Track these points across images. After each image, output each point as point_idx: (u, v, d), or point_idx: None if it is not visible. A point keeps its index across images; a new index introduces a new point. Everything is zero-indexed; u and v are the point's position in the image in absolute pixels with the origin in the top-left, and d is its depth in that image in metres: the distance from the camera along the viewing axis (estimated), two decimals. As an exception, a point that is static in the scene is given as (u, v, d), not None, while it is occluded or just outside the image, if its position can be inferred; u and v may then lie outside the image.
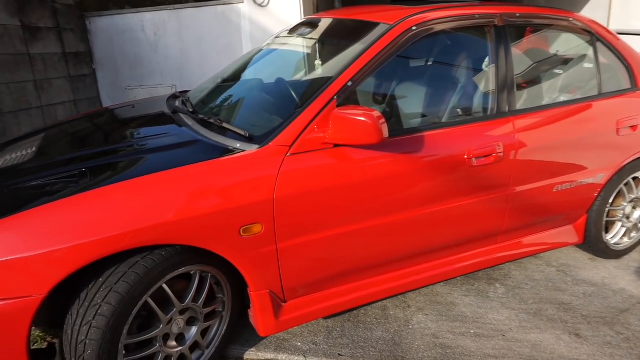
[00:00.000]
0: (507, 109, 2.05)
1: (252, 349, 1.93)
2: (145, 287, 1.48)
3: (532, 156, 2.08)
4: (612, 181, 2.40)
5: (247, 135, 1.71)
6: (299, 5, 4.17)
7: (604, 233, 2.53)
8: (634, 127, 2.33)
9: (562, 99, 2.35)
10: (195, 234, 1.50)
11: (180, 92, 2.67)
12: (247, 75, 2.43)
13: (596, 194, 2.38)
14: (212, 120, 1.89)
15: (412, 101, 2.43)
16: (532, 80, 2.33)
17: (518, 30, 2.26)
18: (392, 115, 2.44)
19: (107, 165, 1.67)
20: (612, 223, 2.60)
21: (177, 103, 2.32)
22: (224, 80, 2.46)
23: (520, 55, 2.30)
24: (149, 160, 1.66)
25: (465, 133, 1.94)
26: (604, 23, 4.25)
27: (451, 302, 2.25)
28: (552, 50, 2.46)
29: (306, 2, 4.28)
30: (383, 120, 1.59)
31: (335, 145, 1.70)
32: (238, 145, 1.69)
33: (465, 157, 1.91)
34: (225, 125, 1.82)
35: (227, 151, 1.67)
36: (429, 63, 2.30)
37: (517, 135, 2.02)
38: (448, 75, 2.22)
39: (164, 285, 1.55)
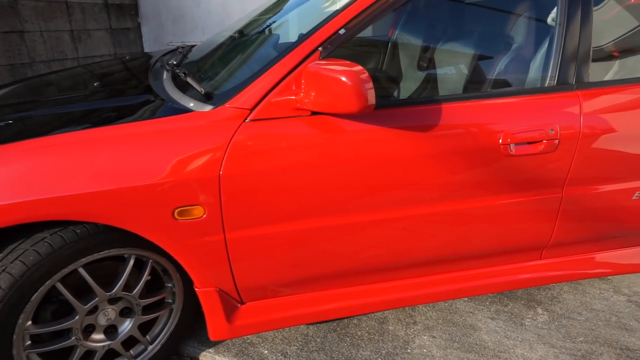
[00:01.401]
0: (573, 80, 1.47)
1: (209, 349, 1.63)
2: (50, 270, 1.20)
3: (604, 147, 1.50)
4: None
5: (203, 92, 1.35)
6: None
7: None
8: None
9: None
10: (114, 211, 1.19)
11: (192, 46, 2.37)
12: (254, 26, 2.04)
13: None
14: (179, 74, 1.55)
15: (436, 62, 1.92)
16: (624, 47, 1.69)
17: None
18: (402, 78, 1.95)
19: (32, 118, 1.40)
20: None
21: (171, 56, 2.02)
22: (235, 32, 2.10)
23: (610, 12, 1.67)
24: (81, 116, 1.37)
25: (503, 109, 1.41)
26: None
27: (471, 325, 1.77)
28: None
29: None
30: (369, 81, 1.14)
31: (314, 113, 1.29)
32: (191, 104, 1.33)
33: (501, 141, 1.39)
34: (188, 79, 1.47)
35: (175, 111, 1.32)
36: (462, 10, 1.76)
37: (584, 117, 1.45)
38: (490, 28, 1.68)
39: (81, 269, 1.27)
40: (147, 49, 4.39)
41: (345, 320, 1.79)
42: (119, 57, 2.99)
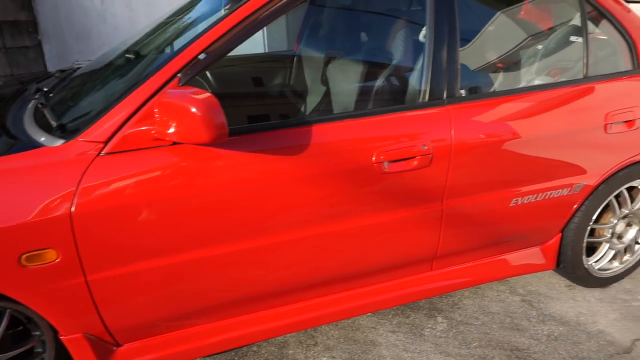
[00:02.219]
0: (443, 95, 1.52)
1: (93, 397, 1.52)
2: None
3: (478, 160, 1.55)
4: (597, 192, 1.85)
5: (56, 125, 1.26)
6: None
7: (584, 256, 1.98)
8: (629, 123, 1.75)
9: (537, 83, 1.80)
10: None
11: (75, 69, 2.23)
12: (126, 50, 1.93)
13: (574, 209, 1.83)
14: (39, 104, 1.45)
15: (331, 78, 1.92)
16: (496, 58, 1.78)
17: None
18: (308, 93, 1.94)
19: None
20: (598, 244, 2.04)
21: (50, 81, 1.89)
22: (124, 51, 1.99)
23: (481, 24, 1.75)
24: None
25: (375, 127, 1.43)
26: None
27: (371, 341, 1.78)
28: (529, 18, 1.89)
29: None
30: (219, 110, 1.10)
31: (175, 143, 1.23)
32: (43, 139, 1.24)
33: (374, 159, 1.40)
34: (45, 110, 1.37)
35: (24, 147, 1.22)
36: (330, 28, 1.78)
37: (455, 131, 1.49)
38: (375, 43, 1.71)
39: None
40: (51, 68, 4.13)
41: (244, 348, 1.74)
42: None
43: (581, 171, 1.75)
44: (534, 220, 1.78)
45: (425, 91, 1.50)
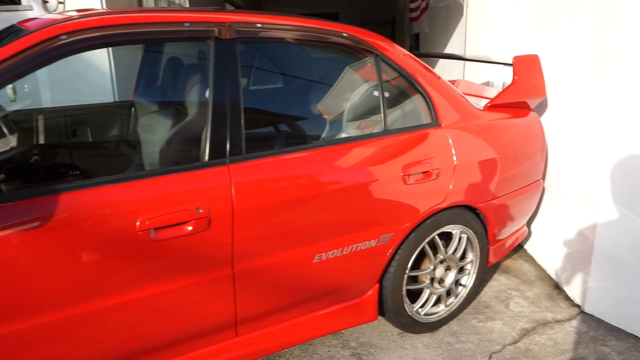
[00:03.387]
0: (225, 154, 1.46)
1: None
2: None
3: (266, 219, 1.50)
4: (407, 241, 1.88)
5: None
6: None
7: (407, 304, 2.00)
8: (426, 174, 1.82)
9: (337, 137, 1.82)
10: None
11: None
12: None
13: (387, 259, 1.85)
14: None
15: (143, 133, 1.81)
16: (289, 114, 1.78)
17: (264, 47, 1.71)
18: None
19: None
20: (421, 290, 2.08)
21: None
22: None
23: (274, 81, 1.75)
24: None
25: (141, 191, 1.32)
26: (461, 50, 3.91)
27: (174, 422, 1.61)
28: (330, 76, 1.94)
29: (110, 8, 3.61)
30: None
31: None
32: None
33: (138, 226, 1.28)
34: None
35: None
36: (152, 78, 1.70)
37: (237, 191, 1.43)
38: (166, 98, 1.63)
39: None
40: None
41: None
42: None
43: (386, 222, 1.77)
44: (344, 274, 1.75)
45: (205, 149, 1.43)
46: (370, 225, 1.73)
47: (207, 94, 1.51)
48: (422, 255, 2.01)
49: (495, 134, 2.11)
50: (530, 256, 2.88)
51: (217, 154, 1.44)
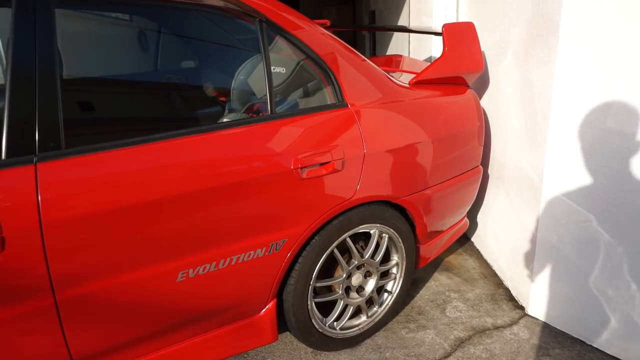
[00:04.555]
0: (33, 148, 1.10)
1: None
2: None
3: (98, 231, 1.15)
4: (310, 247, 1.57)
5: None
6: None
7: (316, 319, 1.69)
8: (326, 166, 1.50)
9: (219, 121, 1.48)
10: None
11: None
12: None
13: (282, 270, 1.53)
14: None
15: None
16: (141, 91, 1.43)
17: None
18: None
19: None
20: (335, 301, 1.78)
21: None
22: None
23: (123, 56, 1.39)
24: None
25: None
26: (405, 21, 3.59)
27: None
28: (205, 46, 1.59)
29: None
30: None
31: None
32: None
33: None
34: None
35: None
36: None
37: (46, 196, 1.08)
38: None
39: None
40: None
41: None
42: None
43: (276, 226, 1.45)
44: (224, 291, 1.43)
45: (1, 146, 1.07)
46: (254, 233, 1.40)
47: (2, 57, 1.15)
48: (335, 261, 1.70)
49: (419, 115, 1.80)
50: (477, 250, 2.61)
51: (19, 148, 1.08)
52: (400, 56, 2.85)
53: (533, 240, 1.98)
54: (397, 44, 4.35)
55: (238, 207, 1.35)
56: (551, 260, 1.92)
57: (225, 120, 1.51)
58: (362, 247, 1.80)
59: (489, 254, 2.47)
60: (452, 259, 2.52)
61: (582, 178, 1.74)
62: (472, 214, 2.67)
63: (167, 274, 1.28)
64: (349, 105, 1.60)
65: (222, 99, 1.57)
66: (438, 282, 2.30)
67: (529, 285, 2.03)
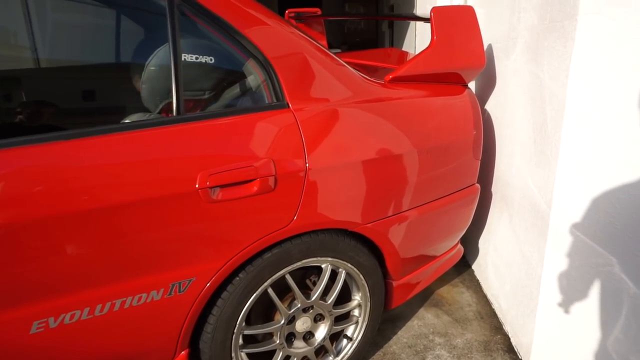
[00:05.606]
0: None
1: None
2: None
3: None
4: (233, 286, 1.22)
5: None
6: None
7: (245, 374, 1.35)
8: (248, 185, 1.14)
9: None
10: None
11: None
12: None
13: (190, 315, 1.18)
14: None
15: None
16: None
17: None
18: None
19: None
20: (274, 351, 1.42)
21: None
22: None
23: None
24: None
25: None
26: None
27: None
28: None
29: None
30: None
31: None
32: None
33: None
34: None
35: None
36: None
37: None
38: None
39: None
40: None
41: None
42: None
43: (179, 262, 1.11)
44: (102, 344, 1.10)
45: None
46: (144, 270, 1.07)
47: None
48: (267, 305, 1.35)
49: (391, 120, 1.42)
50: (476, 281, 2.20)
51: None
52: (396, 50, 2.46)
53: (537, 281, 1.57)
54: (411, 39, 3.94)
55: (119, 238, 1.02)
56: (559, 309, 1.51)
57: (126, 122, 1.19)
58: (314, 282, 1.44)
59: (490, 289, 2.06)
60: (444, 291, 2.12)
61: (602, 209, 1.32)
62: (474, 237, 2.26)
63: (14, 323, 0.97)
64: (290, 106, 1.24)
65: (125, 96, 1.24)
66: (422, 320, 1.91)
67: (531, 335, 1.62)
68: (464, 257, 2.41)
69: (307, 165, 1.22)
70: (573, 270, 1.43)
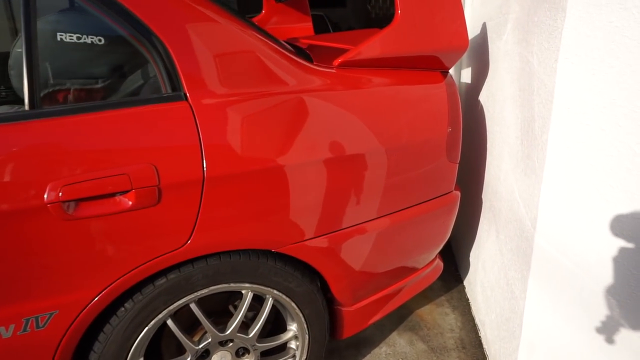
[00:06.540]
0: None
1: None
2: None
3: None
4: (120, 319, 1.00)
5: None
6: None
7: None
8: (120, 198, 0.91)
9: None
10: None
11: None
12: None
13: (58, 354, 0.97)
14: None
15: None
16: None
17: None
18: None
19: None
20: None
21: None
22: None
23: None
24: None
25: None
26: None
27: None
28: None
29: None
30: None
31: None
32: None
33: None
34: None
35: None
36: None
37: None
38: None
39: None
40: None
41: None
42: None
43: (34, 292, 0.89)
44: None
45: None
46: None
47: None
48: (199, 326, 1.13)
49: (333, 114, 1.15)
50: (466, 300, 1.89)
51: None
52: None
53: (520, 316, 1.27)
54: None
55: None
56: (545, 354, 1.21)
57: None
58: (231, 309, 1.20)
59: (478, 312, 1.76)
60: (425, 311, 1.83)
61: (599, 233, 1.01)
62: (465, 249, 1.95)
63: None
64: (188, 98, 0.99)
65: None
66: (392, 348, 1.63)
67: (514, 380, 1.32)
68: (456, 270, 2.10)
69: (205, 171, 0.97)
70: (560, 307, 1.13)
